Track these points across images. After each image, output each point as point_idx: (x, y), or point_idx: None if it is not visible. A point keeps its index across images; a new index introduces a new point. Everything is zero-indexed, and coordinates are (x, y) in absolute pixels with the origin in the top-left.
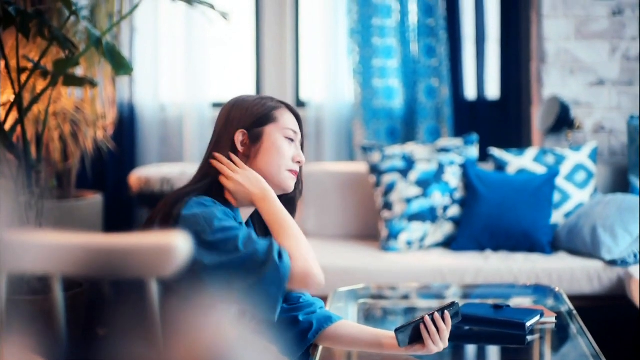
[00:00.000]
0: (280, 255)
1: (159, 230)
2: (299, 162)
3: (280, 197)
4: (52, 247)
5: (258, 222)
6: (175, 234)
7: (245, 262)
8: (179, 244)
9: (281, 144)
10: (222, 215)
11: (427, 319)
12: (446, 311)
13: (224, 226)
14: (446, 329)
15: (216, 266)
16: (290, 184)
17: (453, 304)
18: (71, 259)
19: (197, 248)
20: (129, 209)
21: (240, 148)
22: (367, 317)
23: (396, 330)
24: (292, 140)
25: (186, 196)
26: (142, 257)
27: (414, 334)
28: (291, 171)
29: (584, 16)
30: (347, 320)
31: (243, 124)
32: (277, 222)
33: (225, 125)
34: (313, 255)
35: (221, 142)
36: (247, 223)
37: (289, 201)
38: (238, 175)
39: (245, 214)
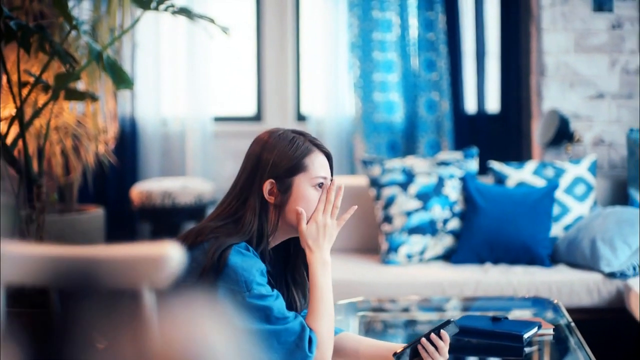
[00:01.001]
0: (310, 343)
1: (206, 277)
2: None
3: None
4: (41, 259)
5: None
6: (168, 244)
7: (276, 335)
8: (171, 254)
9: (310, 195)
10: (260, 279)
11: (424, 341)
12: (442, 330)
13: (262, 294)
14: (444, 346)
15: (247, 330)
16: None
17: (448, 322)
18: (63, 271)
19: (232, 303)
20: (130, 223)
21: (269, 198)
22: (368, 330)
23: (395, 354)
24: (321, 185)
25: (230, 246)
26: (135, 267)
27: (413, 354)
28: None
29: (583, 30)
30: (348, 333)
31: (272, 173)
32: (319, 289)
33: (255, 170)
34: (332, 333)
35: (252, 188)
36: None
37: None
38: (322, 219)
39: (272, 244)
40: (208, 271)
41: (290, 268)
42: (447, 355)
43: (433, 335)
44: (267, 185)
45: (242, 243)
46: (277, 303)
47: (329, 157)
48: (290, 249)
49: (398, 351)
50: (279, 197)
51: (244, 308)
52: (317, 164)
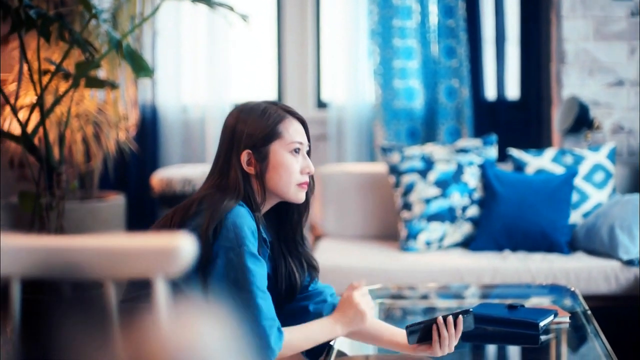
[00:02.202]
0: (277, 339)
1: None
2: (308, 173)
3: None
4: (53, 250)
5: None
6: (181, 236)
7: (251, 306)
8: (184, 246)
9: (287, 161)
10: (252, 238)
11: (441, 320)
12: (460, 316)
13: (251, 252)
14: (454, 336)
15: (228, 293)
16: (300, 196)
17: (468, 311)
18: (74, 262)
19: (219, 251)
20: (151, 210)
21: (247, 169)
22: (387, 316)
23: (407, 327)
24: (298, 150)
25: (232, 203)
26: (148, 258)
27: (423, 333)
28: (300, 185)
29: (602, 17)
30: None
31: (248, 144)
32: (312, 335)
33: (231, 143)
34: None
35: (230, 161)
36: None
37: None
38: (360, 302)
39: (264, 210)
40: (207, 234)
41: (283, 238)
42: (452, 348)
43: (450, 319)
44: (244, 157)
45: (245, 208)
46: (261, 270)
47: (303, 123)
48: (284, 218)
49: (410, 324)
50: (257, 167)
51: (232, 266)
52: (291, 130)
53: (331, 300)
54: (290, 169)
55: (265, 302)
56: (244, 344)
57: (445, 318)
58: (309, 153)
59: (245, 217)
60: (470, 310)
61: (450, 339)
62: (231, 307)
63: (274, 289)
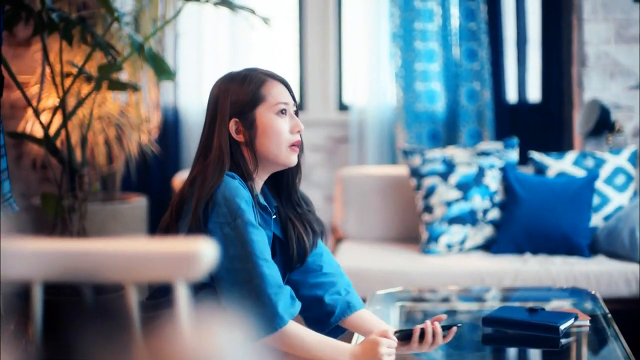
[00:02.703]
0: (287, 307)
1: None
2: (298, 132)
3: None
4: (75, 254)
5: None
6: (201, 240)
7: (251, 276)
8: (204, 251)
9: (275, 122)
10: (245, 206)
11: (428, 324)
12: (445, 332)
13: (246, 221)
14: (433, 345)
15: (220, 258)
16: (293, 159)
17: (457, 325)
18: (96, 266)
19: (214, 229)
20: None
21: (237, 137)
22: (408, 319)
23: (395, 332)
24: (284, 111)
25: (217, 178)
26: (168, 263)
27: (406, 335)
28: (292, 146)
29: (623, 20)
30: (366, 310)
31: (233, 112)
32: (314, 353)
33: (214, 114)
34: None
35: (214, 133)
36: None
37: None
38: (384, 356)
39: (259, 182)
40: (197, 216)
41: (284, 202)
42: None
43: (437, 324)
44: (232, 126)
45: (226, 176)
46: (261, 239)
47: (285, 83)
48: (281, 184)
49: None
50: (246, 134)
51: (230, 241)
52: (274, 91)
53: (345, 295)
54: (279, 130)
55: (270, 271)
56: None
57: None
58: (296, 113)
59: (236, 188)
60: (459, 325)
61: (429, 347)
62: (235, 282)
63: (286, 253)
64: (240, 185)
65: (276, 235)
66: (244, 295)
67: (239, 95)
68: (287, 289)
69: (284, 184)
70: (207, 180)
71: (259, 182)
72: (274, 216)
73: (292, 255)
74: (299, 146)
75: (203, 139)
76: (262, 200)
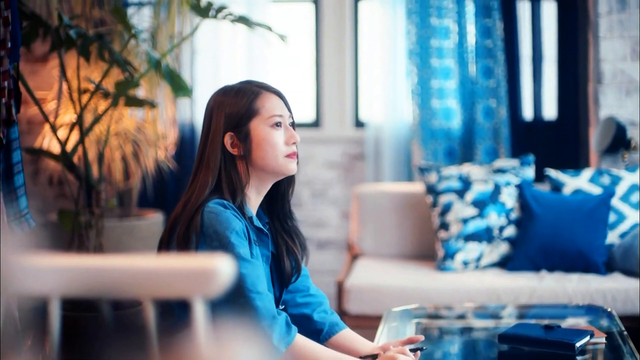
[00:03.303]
0: (282, 334)
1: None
2: (294, 143)
3: None
4: (91, 270)
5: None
6: (219, 257)
7: (244, 310)
8: (222, 268)
9: (270, 135)
10: (235, 239)
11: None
12: (418, 352)
13: (236, 254)
14: None
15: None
16: (291, 167)
17: (422, 348)
18: (114, 282)
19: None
20: None
21: (232, 151)
22: (424, 336)
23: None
24: (279, 124)
25: (200, 208)
26: (186, 279)
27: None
28: (289, 155)
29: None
30: (350, 330)
31: (228, 127)
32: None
33: (210, 129)
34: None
35: (214, 146)
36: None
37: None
38: None
39: (258, 198)
40: (187, 245)
41: (275, 214)
42: None
43: (405, 348)
44: (227, 139)
45: (214, 201)
46: (252, 272)
47: (280, 95)
48: (273, 194)
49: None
50: (241, 147)
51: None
52: (267, 104)
53: (330, 314)
54: (274, 143)
55: (263, 302)
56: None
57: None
58: (293, 125)
59: (227, 220)
60: (424, 348)
61: None
62: (229, 313)
63: (280, 268)
64: (232, 215)
65: (272, 253)
66: (239, 326)
67: (233, 108)
68: (282, 317)
69: (278, 195)
70: (191, 199)
71: (256, 196)
72: (269, 237)
73: (285, 269)
74: (295, 156)
75: (200, 151)
76: (256, 222)
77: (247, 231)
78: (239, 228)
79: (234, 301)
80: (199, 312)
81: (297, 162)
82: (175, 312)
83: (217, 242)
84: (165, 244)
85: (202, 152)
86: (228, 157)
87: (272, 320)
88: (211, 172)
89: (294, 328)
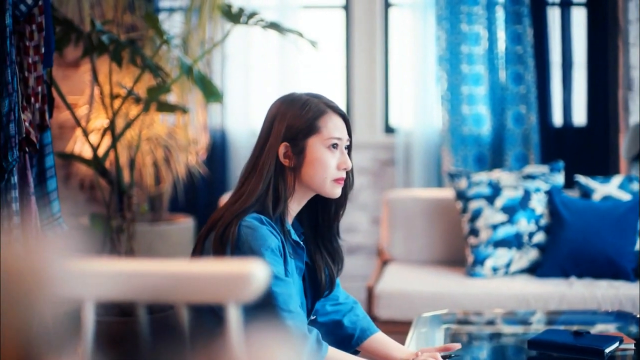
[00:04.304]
0: (313, 351)
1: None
2: (344, 168)
3: None
4: (128, 274)
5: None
6: (253, 263)
7: (275, 327)
8: (256, 273)
9: (324, 156)
10: (270, 257)
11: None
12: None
13: (271, 285)
14: None
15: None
16: (336, 192)
17: (451, 356)
18: (149, 286)
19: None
20: None
21: (284, 161)
22: (453, 342)
23: None
24: (336, 145)
25: (244, 213)
26: (221, 284)
27: None
28: (337, 180)
29: None
30: (383, 334)
31: (286, 137)
32: None
33: (268, 135)
34: None
35: (270, 154)
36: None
37: (341, 195)
38: None
39: (297, 207)
40: (220, 256)
41: (319, 231)
42: None
43: (438, 355)
44: (282, 149)
45: (251, 216)
46: (285, 290)
47: (344, 118)
48: (321, 211)
49: None
50: (293, 160)
51: None
52: (330, 125)
53: (362, 318)
54: (326, 165)
55: (294, 321)
56: None
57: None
58: (349, 148)
59: (263, 237)
60: (453, 355)
61: None
62: (260, 329)
63: (314, 279)
64: (268, 231)
65: (307, 263)
66: (271, 336)
67: (296, 121)
68: (313, 335)
69: (326, 214)
70: (237, 203)
71: (296, 207)
72: (304, 250)
73: (320, 282)
74: (343, 182)
75: (254, 155)
76: (294, 235)
77: (283, 246)
78: (275, 245)
79: (265, 319)
80: (233, 317)
81: (351, 187)
82: (203, 319)
83: (250, 258)
84: (201, 244)
85: (257, 157)
86: (279, 166)
87: (304, 339)
88: (263, 179)
89: (325, 345)
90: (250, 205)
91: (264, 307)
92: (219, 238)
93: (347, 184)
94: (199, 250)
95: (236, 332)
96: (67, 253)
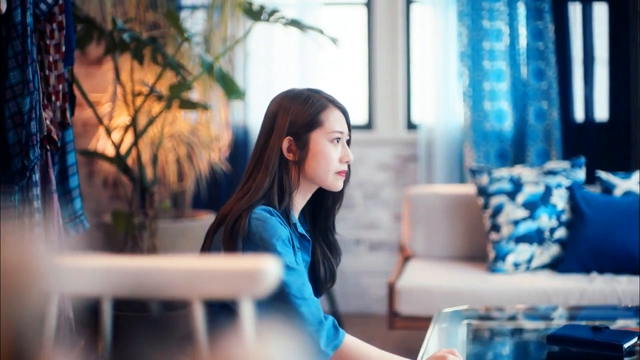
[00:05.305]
0: (330, 338)
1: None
2: (346, 162)
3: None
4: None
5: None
6: (266, 259)
7: (290, 316)
8: (269, 269)
9: (327, 149)
10: (281, 247)
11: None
12: None
13: (283, 275)
14: None
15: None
16: (338, 184)
17: None
18: (162, 282)
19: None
20: None
21: (287, 155)
22: (475, 338)
23: None
24: (338, 139)
25: (246, 215)
26: (234, 280)
27: None
28: (339, 173)
29: None
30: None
31: (289, 131)
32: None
33: (271, 130)
34: None
35: (272, 148)
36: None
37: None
38: None
39: (302, 201)
40: (231, 249)
41: (317, 224)
42: None
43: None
44: (285, 143)
45: (260, 208)
46: (297, 279)
47: (345, 112)
48: (318, 205)
49: None
50: (297, 154)
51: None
52: (332, 118)
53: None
54: (329, 158)
55: (309, 308)
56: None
57: None
58: (349, 142)
59: (273, 228)
60: None
61: None
62: (275, 319)
63: (315, 275)
64: (277, 222)
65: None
66: (284, 329)
67: (299, 115)
68: (329, 321)
69: (323, 208)
70: (245, 198)
71: (301, 202)
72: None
73: (321, 277)
74: (344, 175)
75: (257, 152)
76: (300, 228)
77: (291, 238)
78: (285, 236)
79: (280, 309)
80: (247, 312)
81: (348, 180)
82: (216, 314)
83: (262, 249)
84: (211, 238)
85: (262, 152)
86: (283, 160)
87: (319, 326)
88: (269, 173)
89: (342, 331)
90: (257, 199)
91: (278, 297)
92: (229, 232)
93: (346, 178)
94: (208, 244)
95: (250, 327)
96: (86, 250)
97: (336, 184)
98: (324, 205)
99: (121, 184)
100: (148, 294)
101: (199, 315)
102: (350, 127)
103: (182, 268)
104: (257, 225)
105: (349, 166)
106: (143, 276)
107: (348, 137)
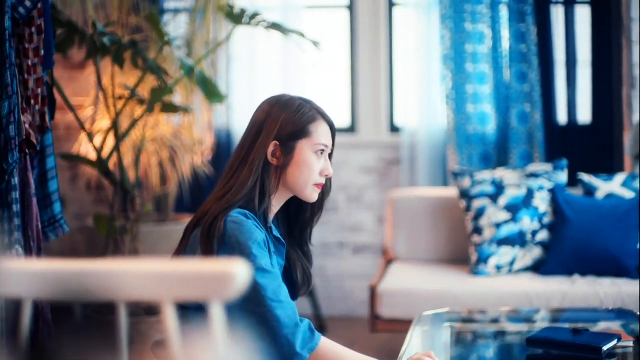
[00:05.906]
0: (306, 341)
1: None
2: (326, 175)
3: None
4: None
5: (281, 219)
6: (235, 262)
7: (266, 319)
8: (238, 272)
9: (311, 160)
10: (257, 250)
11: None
12: None
13: (259, 267)
14: None
15: (240, 311)
16: (314, 196)
17: None
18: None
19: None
20: None
21: (271, 159)
22: (457, 340)
23: None
24: (322, 152)
25: (223, 217)
26: (203, 283)
27: None
28: (317, 185)
29: None
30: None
31: (277, 136)
32: None
33: (260, 132)
34: None
35: (258, 150)
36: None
37: (317, 202)
38: None
39: (276, 205)
40: (208, 251)
41: (292, 233)
42: None
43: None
44: (271, 147)
45: (237, 211)
46: (273, 282)
47: (332, 127)
48: (296, 215)
49: None
50: (281, 159)
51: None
52: (320, 131)
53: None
54: (312, 169)
55: (284, 311)
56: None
57: None
58: (330, 156)
59: (249, 231)
60: None
61: None
62: (251, 323)
63: (290, 279)
64: (253, 225)
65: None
66: (261, 336)
67: (289, 123)
68: (305, 324)
69: (300, 220)
70: (226, 196)
71: (276, 206)
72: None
73: (297, 282)
74: (321, 188)
75: (243, 150)
76: (275, 232)
77: (267, 241)
78: (261, 239)
79: (254, 312)
80: (217, 315)
81: (328, 193)
82: (190, 316)
83: (238, 252)
84: (189, 235)
85: (247, 153)
86: (266, 164)
87: (295, 328)
88: (252, 173)
89: (318, 334)
90: (238, 200)
91: (253, 300)
92: (205, 233)
93: (325, 190)
94: (185, 241)
95: (220, 330)
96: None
97: (312, 196)
98: (301, 217)
99: (104, 188)
100: (117, 296)
101: (171, 319)
102: (334, 142)
103: (152, 271)
104: (233, 229)
105: (330, 180)
106: (110, 279)
107: (330, 152)
